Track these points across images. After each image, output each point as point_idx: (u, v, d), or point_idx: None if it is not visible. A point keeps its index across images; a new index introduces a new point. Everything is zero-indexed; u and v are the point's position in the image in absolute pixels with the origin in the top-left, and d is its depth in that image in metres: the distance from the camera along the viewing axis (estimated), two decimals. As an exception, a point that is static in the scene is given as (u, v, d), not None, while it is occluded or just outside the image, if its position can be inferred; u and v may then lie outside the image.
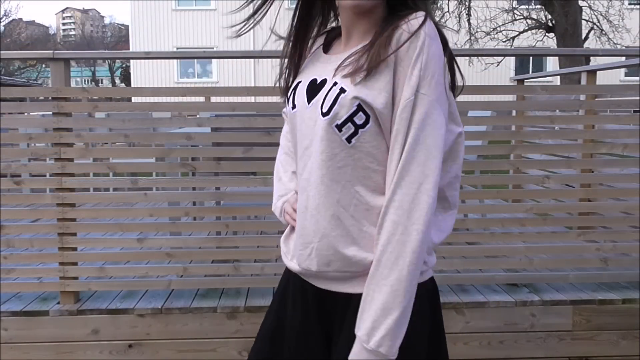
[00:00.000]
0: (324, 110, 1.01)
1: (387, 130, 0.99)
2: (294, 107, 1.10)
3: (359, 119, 0.98)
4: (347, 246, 1.01)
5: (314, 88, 1.06)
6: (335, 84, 1.01)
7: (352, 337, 0.97)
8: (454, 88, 1.06)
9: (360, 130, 0.99)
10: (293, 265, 1.12)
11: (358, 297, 0.99)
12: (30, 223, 3.05)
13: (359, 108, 0.98)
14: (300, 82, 1.11)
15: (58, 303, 2.73)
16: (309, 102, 1.06)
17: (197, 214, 3.01)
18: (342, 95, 0.99)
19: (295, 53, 1.17)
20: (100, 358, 2.67)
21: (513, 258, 2.84)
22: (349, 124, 0.99)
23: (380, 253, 0.95)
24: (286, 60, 1.17)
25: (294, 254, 1.12)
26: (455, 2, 13.32)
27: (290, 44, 1.17)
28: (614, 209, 2.93)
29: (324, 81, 1.05)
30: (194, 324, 2.69)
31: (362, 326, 0.95)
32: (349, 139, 0.99)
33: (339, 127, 0.99)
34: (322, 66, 1.09)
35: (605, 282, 2.90)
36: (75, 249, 2.75)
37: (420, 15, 0.97)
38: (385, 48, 0.97)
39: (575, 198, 3.18)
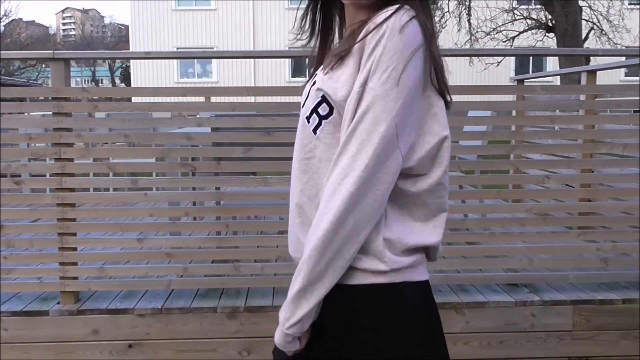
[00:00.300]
0: (302, 102, 1.06)
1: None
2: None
3: (323, 110, 1.00)
4: (306, 235, 1.03)
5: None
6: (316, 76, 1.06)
7: None
8: (442, 89, 1.01)
9: (323, 122, 1.00)
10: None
11: None
12: (30, 223, 3.05)
13: (323, 99, 0.99)
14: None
15: (58, 303, 2.73)
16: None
17: (197, 214, 3.01)
18: (313, 87, 1.03)
19: (318, 52, 1.17)
20: (100, 358, 2.67)
21: (513, 258, 2.83)
22: (314, 115, 1.01)
23: (306, 244, 0.98)
24: (312, 59, 1.18)
25: None
26: (455, 2, 13.32)
27: (317, 43, 1.17)
28: (614, 209, 2.93)
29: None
30: (194, 324, 2.68)
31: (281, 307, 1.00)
32: (314, 130, 1.01)
33: (308, 119, 1.02)
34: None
35: (605, 282, 2.90)
36: (75, 249, 2.75)
37: (391, 8, 0.95)
38: (349, 41, 0.98)
39: (575, 198, 3.18)
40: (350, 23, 1.07)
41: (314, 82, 1.04)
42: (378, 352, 0.98)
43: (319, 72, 1.05)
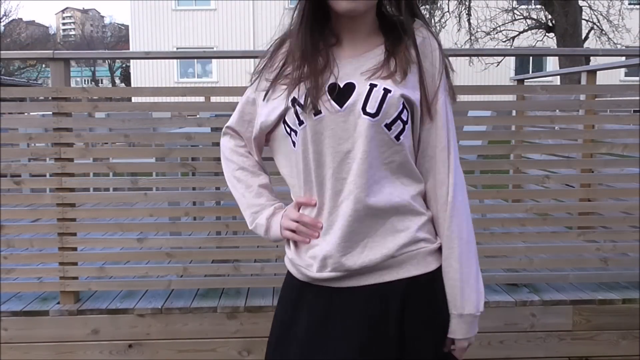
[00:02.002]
0: (371, 111, 1.04)
1: (416, 123, 1.10)
2: (317, 113, 1.06)
3: (405, 115, 1.07)
4: (401, 222, 1.11)
5: (340, 92, 1.06)
6: (374, 85, 1.05)
7: (429, 320, 1.10)
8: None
9: (406, 127, 1.07)
10: (326, 274, 1.11)
11: (418, 278, 1.09)
12: (30, 223, 3.04)
13: (404, 106, 1.06)
14: (309, 87, 1.06)
15: (58, 303, 2.73)
16: (341, 106, 1.05)
17: (197, 214, 3.01)
18: (389, 95, 1.04)
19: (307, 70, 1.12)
20: (100, 358, 2.67)
21: (513, 258, 2.83)
22: (398, 121, 1.06)
23: (459, 231, 1.10)
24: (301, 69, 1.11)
25: (334, 260, 1.09)
26: (455, 2, 13.32)
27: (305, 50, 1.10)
28: (614, 209, 2.93)
29: (350, 85, 1.06)
30: (194, 324, 2.68)
31: (470, 301, 1.10)
32: (397, 137, 1.07)
33: (388, 126, 1.05)
34: (334, 71, 1.08)
35: (605, 282, 2.90)
36: (75, 249, 2.75)
37: (418, 24, 1.12)
38: (411, 52, 1.08)
39: (575, 198, 3.18)
40: (353, 31, 1.09)
41: (385, 89, 1.04)
42: None
43: (379, 80, 1.05)
